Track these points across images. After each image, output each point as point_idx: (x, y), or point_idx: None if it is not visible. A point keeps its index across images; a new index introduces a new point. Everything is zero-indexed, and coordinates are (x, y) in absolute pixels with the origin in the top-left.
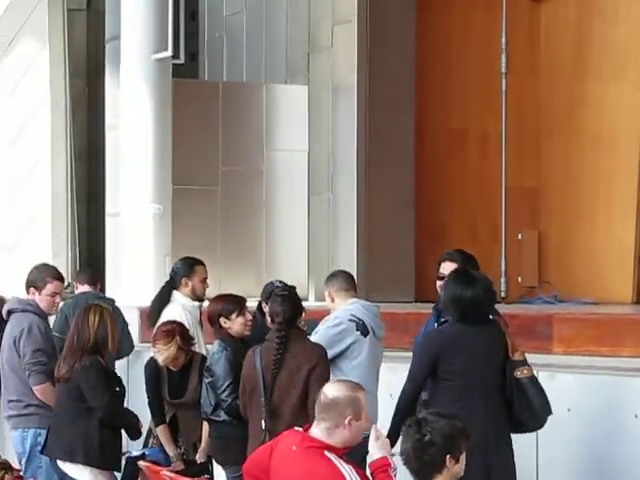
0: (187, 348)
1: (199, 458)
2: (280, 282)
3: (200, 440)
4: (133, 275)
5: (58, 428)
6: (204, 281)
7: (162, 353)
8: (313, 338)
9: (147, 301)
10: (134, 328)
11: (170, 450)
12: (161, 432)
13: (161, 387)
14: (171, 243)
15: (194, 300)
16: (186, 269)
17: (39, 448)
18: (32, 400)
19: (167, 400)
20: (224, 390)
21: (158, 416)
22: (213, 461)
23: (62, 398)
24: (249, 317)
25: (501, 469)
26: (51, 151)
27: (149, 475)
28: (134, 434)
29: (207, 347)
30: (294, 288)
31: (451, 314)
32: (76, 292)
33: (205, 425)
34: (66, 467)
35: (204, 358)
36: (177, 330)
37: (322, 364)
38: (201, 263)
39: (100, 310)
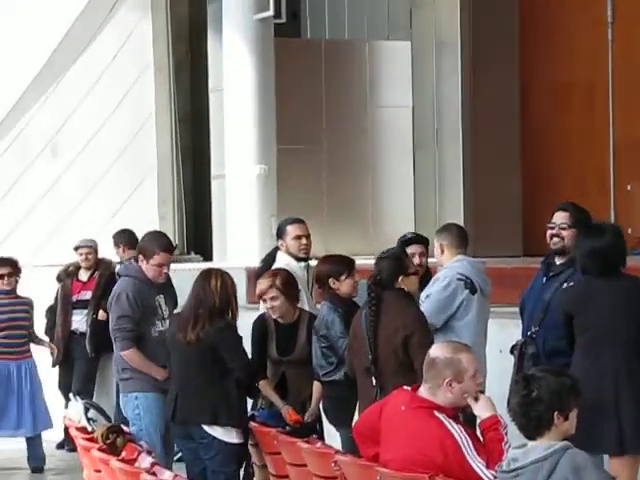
0: (291, 294)
1: (307, 418)
2: (412, 233)
3: (310, 400)
4: (239, 236)
5: (193, 393)
6: (298, 238)
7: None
8: (425, 302)
9: (253, 262)
10: (241, 289)
11: (277, 401)
12: (264, 386)
13: (268, 344)
14: (276, 203)
15: (298, 260)
16: (278, 230)
17: (137, 412)
18: (126, 364)
19: (275, 358)
20: (345, 349)
21: (262, 372)
22: (324, 421)
23: (192, 362)
24: (357, 278)
25: (634, 422)
26: (155, 115)
27: (258, 436)
28: (254, 393)
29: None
30: (401, 249)
31: (584, 268)
32: (124, 257)
33: (316, 386)
34: (213, 430)
35: (312, 316)
36: (280, 276)
37: (420, 330)
38: (293, 222)
39: (220, 274)
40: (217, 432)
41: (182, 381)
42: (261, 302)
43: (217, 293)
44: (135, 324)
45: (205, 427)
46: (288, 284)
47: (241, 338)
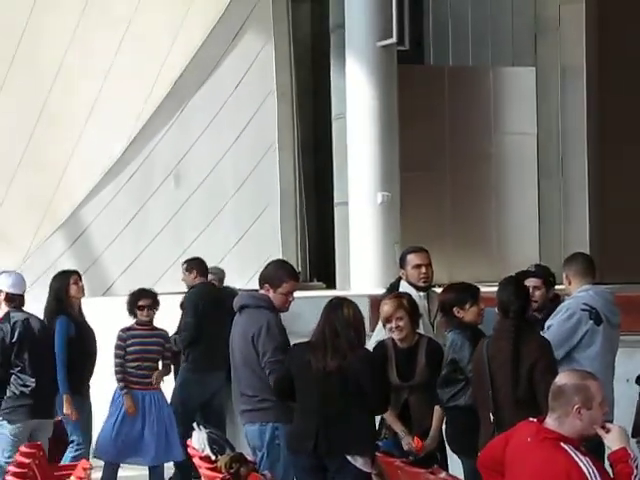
0: (415, 316)
1: (428, 446)
2: (537, 265)
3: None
4: (362, 264)
5: (336, 423)
6: (418, 267)
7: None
8: (547, 333)
9: (376, 289)
10: (365, 316)
11: (400, 431)
12: (388, 415)
13: (388, 371)
14: (400, 231)
15: (417, 289)
16: (400, 259)
17: (277, 442)
18: (268, 395)
19: (397, 383)
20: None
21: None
22: (447, 450)
23: (332, 392)
24: (482, 306)
25: None
26: (278, 142)
27: (383, 466)
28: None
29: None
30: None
31: None
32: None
33: (437, 411)
34: (355, 460)
35: (431, 340)
36: (405, 299)
37: (545, 357)
38: (414, 251)
39: (351, 303)
40: (358, 462)
41: (323, 412)
42: (380, 327)
43: (351, 323)
44: (285, 354)
45: (348, 457)
46: (414, 305)
47: (382, 368)
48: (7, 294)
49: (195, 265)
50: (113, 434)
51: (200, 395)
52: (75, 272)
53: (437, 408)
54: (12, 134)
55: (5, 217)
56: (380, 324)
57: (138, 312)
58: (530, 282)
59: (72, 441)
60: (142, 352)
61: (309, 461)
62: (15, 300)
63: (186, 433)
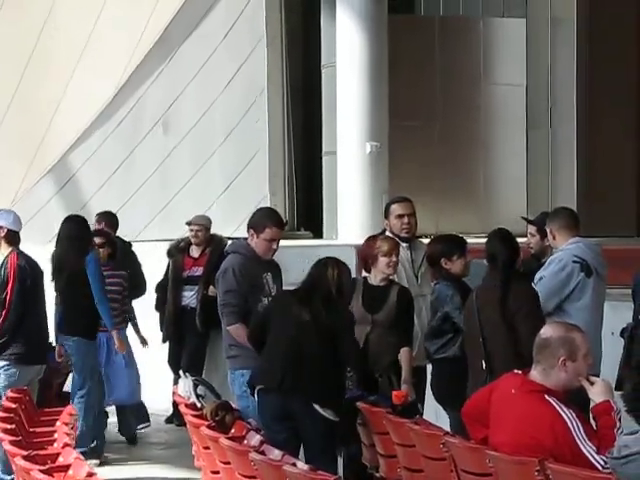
0: None
1: (406, 390)
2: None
3: (390, 369)
4: (350, 214)
5: (301, 367)
6: (400, 217)
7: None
8: (539, 284)
9: (363, 240)
10: (351, 266)
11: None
12: None
13: (353, 302)
14: (388, 181)
15: (400, 240)
16: (385, 209)
17: (244, 389)
18: (233, 341)
19: (361, 313)
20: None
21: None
22: (428, 401)
23: (305, 340)
24: (469, 258)
25: None
26: (267, 90)
27: (367, 416)
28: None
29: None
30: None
31: None
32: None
33: (405, 353)
34: (326, 411)
35: (403, 286)
36: None
37: (529, 304)
38: (397, 200)
39: (337, 263)
40: (325, 412)
41: (292, 354)
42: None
43: (336, 282)
44: (242, 300)
45: (316, 406)
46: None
47: (353, 325)
48: (8, 230)
49: (103, 218)
50: None
51: None
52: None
53: (405, 349)
54: (2, 76)
55: None
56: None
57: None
58: (529, 229)
59: (82, 388)
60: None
61: (275, 405)
62: (15, 238)
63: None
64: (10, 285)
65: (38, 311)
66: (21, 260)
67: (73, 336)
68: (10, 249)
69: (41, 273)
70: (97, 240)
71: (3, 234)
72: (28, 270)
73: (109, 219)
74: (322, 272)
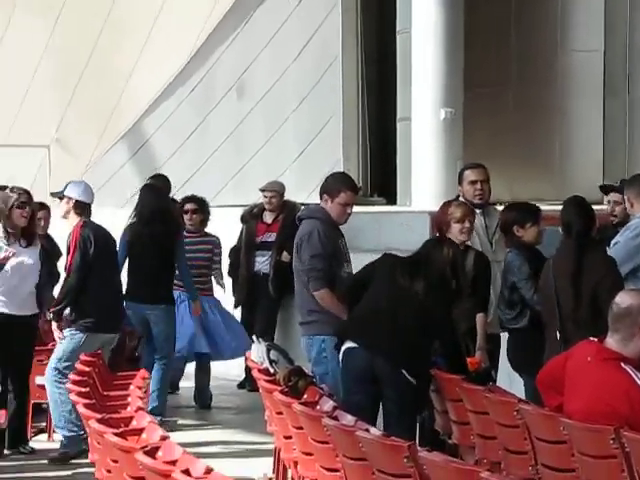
0: None
1: (481, 356)
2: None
3: (470, 336)
4: (424, 180)
5: (396, 333)
6: (473, 183)
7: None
8: (612, 250)
9: (437, 207)
10: (425, 233)
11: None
12: None
13: None
14: (462, 147)
15: (473, 206)
16: (458, 175)
17: (324, 355)
18: (313, 306)
19: None
20: (534, 294)
21: None
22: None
23: (403, 310)
24: (542, 226)
25: None
26: (342, 55)
27: (440, 382)
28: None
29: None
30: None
31: None
32: None
33: (480, 319)
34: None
35: (479, 251)
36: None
37: (611, 274)
38: (470, 167)
39: (452, 244)
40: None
41: (388, 320)
42: None
43: (448, 261)
44: (327, 264)
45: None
46: None
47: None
48: (77, 202)
49: None
50: None
51: None
52: None
53: (480, 315)
54: (76, 44)
55: (68, 127)
56: None
57: (184, 217)
58: (612, 197)
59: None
60: (190, 259)
61: (361, 366)
62: (85, 209)
63: None
64: (71, 254)
65: (107, 280)
66: (85, 230)
67: (159, 304)
68: (78, 219)
69: (112, 242)
70: (190, 206)
71: (71, 205)
72: (92, 240)
73: (165, 182)
74: (438, 249)
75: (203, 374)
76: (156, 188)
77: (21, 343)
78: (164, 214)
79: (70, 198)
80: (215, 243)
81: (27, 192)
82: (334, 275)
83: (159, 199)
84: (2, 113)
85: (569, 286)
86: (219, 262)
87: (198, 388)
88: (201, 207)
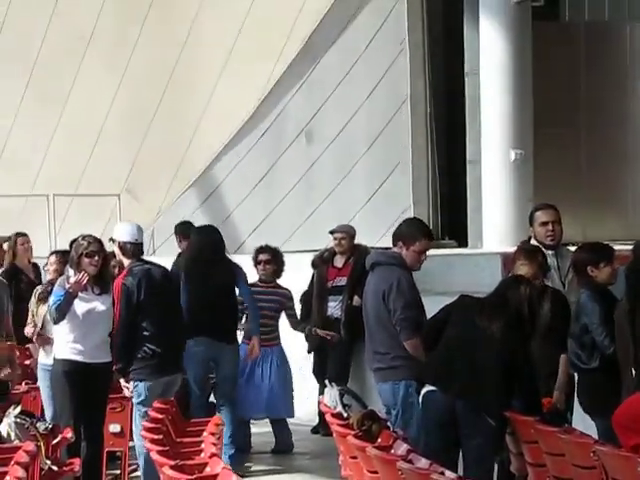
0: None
1: (558, 397)
2: None
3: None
4: (495, 222)
5: (476, 374)
6: (545, 225)
7: (522, 268)
8: None
9: (509, 247)
10: (496, 274)
11: None
12: None
13: None
14: (533, 188)
15: (545, 247)
16: (529, 216)
17: (410, 399)
18: (401, 353)
19: None
20: (604, 338)
21: None
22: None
23: (483, 352)
24: (616, 265)
25: None
26: (410, 98)
27: (515, 424)
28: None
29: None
30: None
31: None
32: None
33: (563, 360)
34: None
35: (556, 290)
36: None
37: None
38: (541, 208)
39: (529, 283)
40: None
41: (467, 362)
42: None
43: (526, 300)
44: (419, 312)
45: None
46: (544, 258)
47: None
48: (119, 243)
49: (179, 230)
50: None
51: None
52: None
53: (563, 357)
54: (145, 93)
55: (138, 176)
56: None
57: (258, 267)
58: None
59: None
60: (260, 309)
61: (441, 409)
62: (130, 249)
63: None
64: (116, 307)
65: (162, 321)
66: (127, 279)
67: (230, 344)
68: (128, 262)
69: (168, 282)
70: (263, 257)
71: (118, 247)
72: (136, 287)
73: (184, 231)
74: (514, 289)
75: (277, 421)
76: (207, 230)
77: (95, 391)
78: (217, 253)
79: (114, 241)
80: (286, 296)
81: (98, 240)
82: (421, 322)
83: (211, 239)
84: (73, 163)
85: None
86: (294, 315)
87: (276, 435)
88: (274, 257)
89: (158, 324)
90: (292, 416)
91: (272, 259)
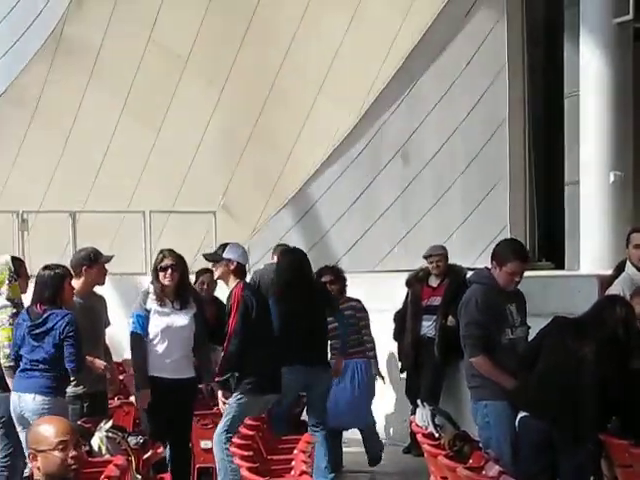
0: None
1: None
2: None
3: None
4: (592, 244)
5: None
6: (637, 247)
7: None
8: None
9: (606, 270)
10: (593, 297)
11: None
12: None
13: None
14: (633, 211)
15: (638, 269)
16: (626, 238)
17: (486, 420)
18: (475, 371)
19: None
20: None
21: None
22: None
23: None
24: None
25: None
26: (508, 119)
27: (609, 448)
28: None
29: None
30: None
31: None
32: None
33: None
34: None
35: None
36: None
37: None
38: (636, 230)
39: (626, 304)
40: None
41: (566, 386)
42: None
43: (621, 321)
44: (484, 331)
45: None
46: None
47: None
48: (238, 264)
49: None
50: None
51: None
52: None
53: None
54: (241, 113)
55: (234, 193)
56: None
57: None
58: None
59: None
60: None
61: (538, 434)
62: (241, 270)
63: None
64: (232, 317)
65: (267, 341)
66: (246, 292)
67: (324, 370)
68: (237, 281)
69: (266, 304)
70: (325, 279)
71: (232, 267)
72: (253, 302)
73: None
74: (610, 309)
75: (369, 435)
76: (295, 252)
77: (178, 407)
78: (305, 276)
79: (231, 261)
80: (356, 308)
81: (175, 255)
82: (492, 342)
83: (298, 261)
84: (170, 180)
85: None
86: (366, 326)
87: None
88: (337, 277)
89: (264, 342)
90: (363, 426)
91: (335, 280)
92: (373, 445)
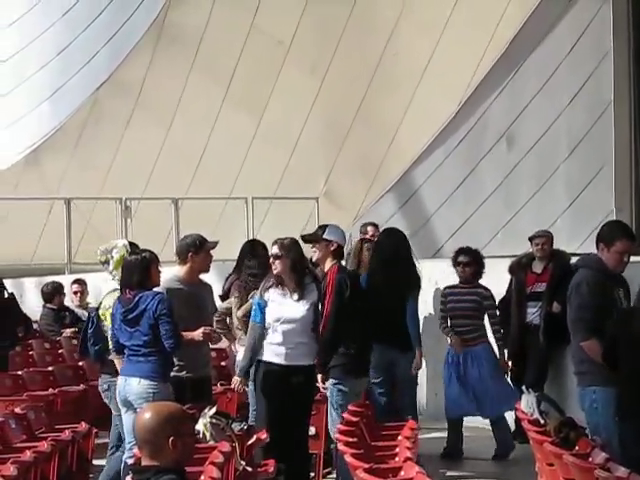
0: None
1: None
2: None
3: None
4: None
5: None
6: None
7: None
8: None
9: None
10: None
11: None
12: None
13: None
14: None
15: None
16: None
17: (595, 405)
18: (584, 356)
19: None
20: None
21: None
22: None
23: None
24: None
25: None
26: (614, 103)
27: None
28: None
29: None
30: None
31: None
32: None
33: None
34: None
35: None
36: None
37: None
38: None
39: None
40: None
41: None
42: None
43: None
44: (595, 314)
45: None
46: None
47: None
48: (338, 245)
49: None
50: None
51: None
52: None
53: None
54: (344, 100)
55: (336, 179)
56: None
57: (457, 269)
58: None
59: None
60: (456, 309)
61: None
62: (340, 252)
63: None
64: (328, 299)
65: (360, 323)
66: (341, 274)
67: (404, 352)
68: (332, 263)
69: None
70: (462, 259)
71: (332, 248)
72: (348, 283)
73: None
74: None
75: (497, 427)
76: (395, 233)
77: (297, 394)
78: (400, 260)
79: (331, 242)
80: (483, 295)
81: (282, 243)
82: (602, 326)
83: (397, 245)
84: (272, 167)
85: None
86: (494, 315)
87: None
88: (474, 259)
89: (359, 325)
90: (493, 415)
91: (472, 262)
92: (502, 439)
